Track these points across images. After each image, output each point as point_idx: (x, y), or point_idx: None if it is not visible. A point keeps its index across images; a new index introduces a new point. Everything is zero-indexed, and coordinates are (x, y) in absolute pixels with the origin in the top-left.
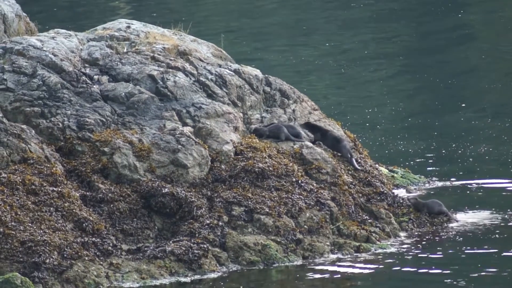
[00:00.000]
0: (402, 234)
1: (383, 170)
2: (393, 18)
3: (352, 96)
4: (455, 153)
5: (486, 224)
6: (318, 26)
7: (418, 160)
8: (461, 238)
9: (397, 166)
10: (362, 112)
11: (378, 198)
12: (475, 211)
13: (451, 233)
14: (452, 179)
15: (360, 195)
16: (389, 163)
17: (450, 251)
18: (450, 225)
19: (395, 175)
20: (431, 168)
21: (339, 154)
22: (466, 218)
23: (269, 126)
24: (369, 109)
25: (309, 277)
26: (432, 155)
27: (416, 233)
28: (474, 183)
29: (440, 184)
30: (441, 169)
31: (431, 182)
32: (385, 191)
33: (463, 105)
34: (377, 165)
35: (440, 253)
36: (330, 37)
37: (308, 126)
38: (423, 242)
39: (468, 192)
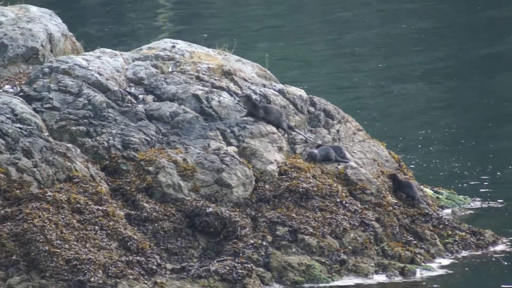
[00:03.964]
0: (447, 255)
1: (428, 191)
2: (441, 37)
3: (404, 117)
4: (511, 175)
5: None
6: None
7: (472, 182)
8: (507, 262)
9: (442, 187)
10: (415, 134)
11: (423, 219)
12: None
13: (497, 256)
14: (500, 200)
15: (405, 216)
16: (442, 185)
17: (495, 275)
18: (497, 248)
19: (440, 196)
20: (483, 190)
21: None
22: None
23: (318, 149)
24: (421, 131)
25: None
26: (487, 177)
27: (461, 255)
28: None
29: (488, 205)
30: (495, 191)
31: (476, 202)
32: (430, 212)
33: None
34: (421, 186)
35: (485, 276)
36: (381, 58)
37: (250, 100)
38: (469, 265)
39: None
